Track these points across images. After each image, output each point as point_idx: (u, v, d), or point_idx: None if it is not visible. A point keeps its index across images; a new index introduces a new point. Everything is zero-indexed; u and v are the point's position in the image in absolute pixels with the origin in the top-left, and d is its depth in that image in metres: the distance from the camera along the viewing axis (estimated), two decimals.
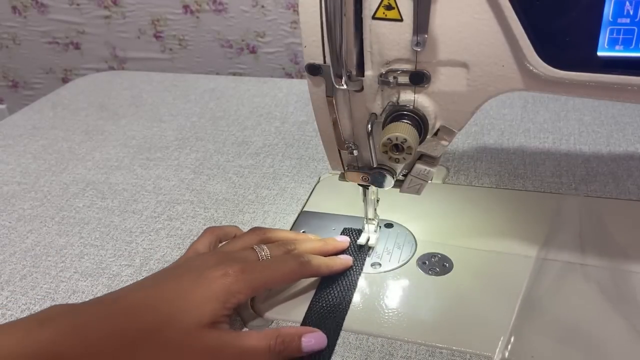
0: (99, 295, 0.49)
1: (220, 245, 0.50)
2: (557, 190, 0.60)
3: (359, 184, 0.49)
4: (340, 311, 0.47)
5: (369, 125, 0.41)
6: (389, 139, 0.39)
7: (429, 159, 0.44)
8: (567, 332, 0.44)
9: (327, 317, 0.46)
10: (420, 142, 0.41)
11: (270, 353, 0.41)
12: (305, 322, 0.46)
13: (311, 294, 0.49)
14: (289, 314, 0.47)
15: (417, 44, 0.37)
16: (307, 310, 0.47)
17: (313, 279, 0.50)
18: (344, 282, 0.49)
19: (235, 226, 0.54)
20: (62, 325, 0.39)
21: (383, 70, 0.40)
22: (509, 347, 0.43)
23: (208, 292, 0.41)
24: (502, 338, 0.43)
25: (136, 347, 0.39)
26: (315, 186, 0.65)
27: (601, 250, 0.51)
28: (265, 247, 0.48)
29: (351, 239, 0.54)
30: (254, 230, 0.51)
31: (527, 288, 0.48)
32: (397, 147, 0.39)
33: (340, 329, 0.45)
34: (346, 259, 0.51)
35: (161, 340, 0.39)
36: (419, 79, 0.39)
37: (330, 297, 0.48)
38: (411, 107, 0.40)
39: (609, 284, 0.48)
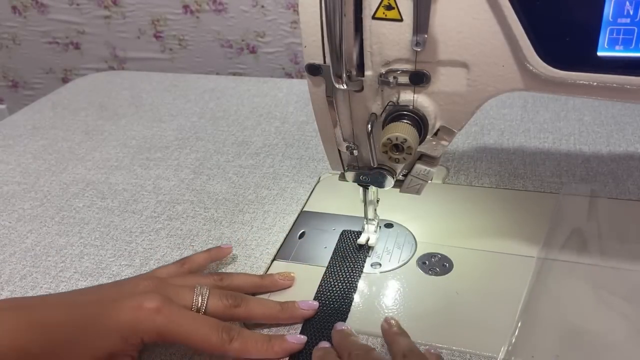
0: None
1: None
2: (557, 190, 0.60)
3: (359, 184, 0.49)
4: (341, 313, 0.46)
5: (369, 125, 0.41)
6: (389, 139, 0.39)
7: (429, 159, 0.44)
8: (567, 332, 0.44)
9: (329, 319, 0.46)
10: (420, 142, 0.41)
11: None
12: (307, 325, 0.46)
13: (312, 294, 0.49)
14: None
15: (417, 44, 0.37)
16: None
17: (313, 279, 0.50)
18: (344, 283, 0.49)
19: (205, 256, 0.51)
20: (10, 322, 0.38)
21: (383, 70, 0.40)
22: (509, 347, 0.43)
23: (113, 322, 0.39)
24: (502, 338, 0.43)
25: (59, 348, 0.38)
26: (315, 186, 0.65)
27: (601, 250, 0.51)
28: (207, 292, 0.43)
29: (351, 240, 0.54)
30: (212, 274, 0.48)
31: (527, 288, 0.48)
32: (397, 147, 0.39)
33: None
34: (303, 308, 0.46)
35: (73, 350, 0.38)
36: (419, 79, 0.39)
37: (331, 298, 0.48)
38: (411, 107, 0.40)
39: (609, 283, 0.48)
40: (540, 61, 0.36)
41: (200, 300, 0.43)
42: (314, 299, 0.48)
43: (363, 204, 0.51)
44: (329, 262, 0.52)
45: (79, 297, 0.43)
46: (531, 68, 0.37)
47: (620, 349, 0.42)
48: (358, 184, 0.49)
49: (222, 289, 0.45)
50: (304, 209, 0.61)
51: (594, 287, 0.47)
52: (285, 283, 0.49)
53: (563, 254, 0.51)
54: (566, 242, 0.52)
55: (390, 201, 0.56)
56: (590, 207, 0.57)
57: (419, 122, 0.40)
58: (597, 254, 0.50)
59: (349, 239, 0.54)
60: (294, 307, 0.46)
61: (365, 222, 0.53)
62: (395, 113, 0.40)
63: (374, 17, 0.37)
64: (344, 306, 0.47)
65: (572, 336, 0.43)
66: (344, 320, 0.46)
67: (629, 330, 0.43)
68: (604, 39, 0.35)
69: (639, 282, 0.48)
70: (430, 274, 0.50)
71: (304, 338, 0.43)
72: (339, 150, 0.46)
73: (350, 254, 0.52)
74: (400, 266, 0.51)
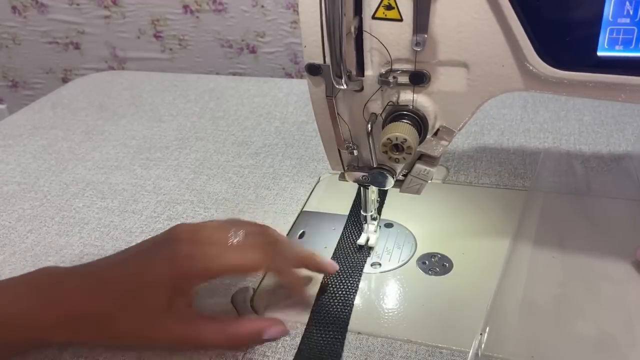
0: None
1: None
2: (557, 190, 0.60)
3: (359, 184, 0.49)
4: (344, 316, 0.46)
5: (369, 125, 0.41)
6: (389, 139, 0.39)
7: (429, 159, 0.44)
8: (567, 332, 0.44)
9: (332, 322, 0.46)
10: (420, 142, 0.41)
11: (226, 346, 0.43)
12: (309, 326, 0.45)
13: (312, 294, 0.48)
14: (293, 316, 0.47)
15: (417, 44, 0.37)
16: (311, 315, 0.46)
17: (313, 279, 0.50)
18: (344, 284, 0.49)
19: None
20: (45, 297, 0.40)
21: (383, 70, 0.40)
22: (510, 346, 0.43)
23: (155, 277, 0.41)
24: (501, 338, 0.43)
25: (109, 319, 0.40)
26: (315, 186, 0.65)
27: (602, 250, 0.51)
28: (243, 233, 0.44)
29: (351, 239, 0.54)
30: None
31: (527, 288, 0.48)
32: (397, 147, 0.39)
33: (346, 332, 0.45)
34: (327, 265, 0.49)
35: (127, 318, 0.41)
36: (418, 78, 0.39)
37: (332, 300, 0.48)
38: (411, 107, 0.40)
39: (612, 284, 0.48)
40: (540, 61, 0.36)
41: (235, 240, 0.44)
42: (316, 302, 0.47)
43: (363, 204, 0.51)
44: None
45: (123, 259, 0.44)
46: (531, 68, 0.37)
47: (624, 351, 0.42)
48: (358, 184, 0.49)
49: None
50: (304, 209, 0.61)
51: (594, 286, 0.47)
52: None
53: (563, 253, 0.51)
54: (567, 242, 0.52)
55: (390, 201, 0.56)
56: (590, 207, 0.57)
57: (419, 122, 0.40)
58: (598, 254, 0.51)
59: (349, 239, 0.54)
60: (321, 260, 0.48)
61: (365, 222, 0.53)
62: (395, 113, 0.40)
63: (374, 17, 0.37)
64: (345, 306, 0.47)
65: (572, 336, 0.43)
66: (346, 320, 0.46)
67: (602, 325, 0.43)
68: (604, 39, 0.35)
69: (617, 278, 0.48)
70: (430, 274, 0.50)
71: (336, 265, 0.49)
72: (339, 150, 0.46)
73: (351, 253, 0.52)
74: (400, 266, 0.51)
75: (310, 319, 0.46)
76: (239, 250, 0.43)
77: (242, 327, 0.44)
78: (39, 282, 0.42)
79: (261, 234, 0.46)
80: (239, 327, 0.44)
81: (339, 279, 0.50)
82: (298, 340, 0.45)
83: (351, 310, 0.47)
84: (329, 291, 0.49)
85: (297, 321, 0.46)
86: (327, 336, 0.44)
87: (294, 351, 0.44)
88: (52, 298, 0.41)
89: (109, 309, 0.41)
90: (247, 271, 0.48)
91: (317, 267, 0.49)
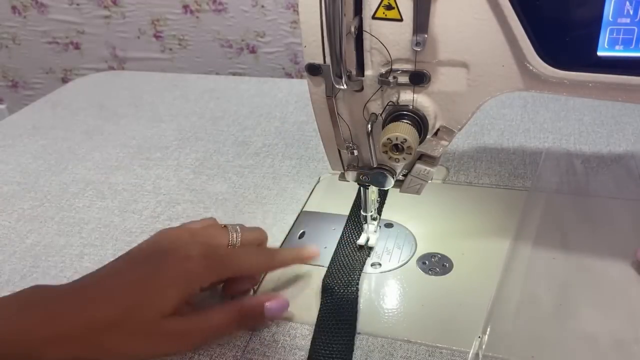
0: None
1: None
2: (558, 190, 0.60)
3: (359, 184, 0.49)
4: (343, 314, 0.46)
5: (369, 125, 0.41)
6: (389, 139, 0.39)
7: (429, 159, 0.44)
8: (567, 332, 0.44)
9: (339, 326, 0.45)
10: (420, 142, 0.41)
11: (233, 327, 0.43)
12: (317, 330, 0.45)
13: (313, 294, 0.48)
14: (296, 317, 0.47)
15: (417, 44, 0.37)
16: (317, 318, 0.46)
17: (313, 279, 0.50)
18: (346, 284, 0.49)
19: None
20: (38, 314, 0.39)
21: (383, 70, 0.40)
22: (510, 346, 0.43)
23: (167, 279, 0.41)
24: (502, 338, 0.43)
25: (102, 336, 0.39)
26: (315, 186, 0.65)
27: (602, 250, 0.51)
28: (239, 228, 0.47)
29: (351, 239, 0.54)
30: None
31: (527, 288, 0.48)
32: (397, 147, 0.39)
33: (355, 333, 0.45)
34: (313, 250, 0.50)
35: (126, 330, 0.39)
36: (418, 78, 0.39)
37: (336, 301, 0.47)
38: (411, 107, 0.40)
39: (611, 283, 0.48)
40: (540, 61, 0.36)
41: (235, 236, 0.47)
42: (321, 303, 0.47)
43: (363, 204, 0.51)
44: (330, 262, 0.52)
45: (132, 261, 0.44)
46: (531, 68, 0.37)
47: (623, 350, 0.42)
48: (358, 184, 0.49)
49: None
50: (304, 209, 0.61)
51: (594, 286, 0.47)
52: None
53: (564, 253, 0.51)
54: (567, 242, 0.52)
55: (390, 201, 0.56)
56: (590, 207, 0.57)
57: (419, 122, 0.40)
58: (598, 254, 0.50)
59: (349, 239, 0.54)
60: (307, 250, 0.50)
61: (365, 222, 0.53)
62: (395, 113, 0.40)
63: (374, 17, 0.37)
64: (346, 307, 0.47)
65: (572, 336, 0.43)
66: (348, 321, 0.46)
67: (603, 325, 0.43)
68: (604, 39, 0.35)
69: (616, 279, 0.48)
70: (430, 274, 0.50)
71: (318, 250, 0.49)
72: (339, 150, 0.46)
73: (351, 253, 0.52)
74: (400, 266, 0.51)
75: (318, 324, 0.46)
76: (247, 251, 0.47)
77: (245, 303, 0.45)
78: (29, 300, 0.41)
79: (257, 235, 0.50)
80: (242, 303, 0.45)
81: (339, 279, 0.50)
82: (297, 340, 0.45)
83: (353, 310, 0.47)
84: (330, 292, 0.48)
85: (308, 323, 0.46)
86: (337, 339, 0.44)
87: (294, 351, 0.44)
88: (43, 317, 0.39)
89: (109, 320, 0.39)
90: (260, 271, 0.50)
91: (305, 258, 0.50)
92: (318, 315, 0.46)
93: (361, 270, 0.50)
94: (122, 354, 0.41)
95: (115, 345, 0.40)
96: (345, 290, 0.48)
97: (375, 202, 0.52)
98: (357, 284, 0.49)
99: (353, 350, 0.43)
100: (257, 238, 0.50)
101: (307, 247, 0.50)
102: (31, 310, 0.40)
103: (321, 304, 0.47)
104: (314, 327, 0.45)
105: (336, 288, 0.48)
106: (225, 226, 0.48)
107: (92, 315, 0.39)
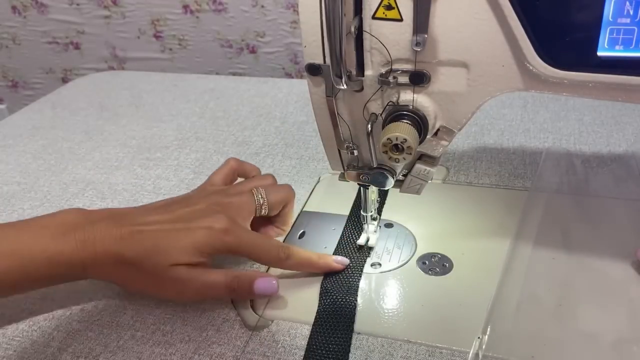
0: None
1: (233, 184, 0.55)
2: (558, 190, 0.60)
3: (359, 184, 0.49)
4: (349, 318, 0.46)
5: (369, 125, 0.41)
6: (389, 139, 0.39)
7: (429, 159, 0.44)
8: (568, 332, 0.44)
9: (337, 325, 0.45)
10: (420, 142, 0.41)
11: (226, 289, 0.46)
12: (315, 329, 0.45)
13: (312, 294, 0.48)
14: (296, 317, 0.47)
15: (417, 44, 0.37)
16: (316, 317, 0.46)
17: (313, 279, 0.50)
18: (345, 284, 0.49)
19: (256, 167, 0.57)
20: (80, 238, 0.44)
21: (383, 70, 0.40)
22: (510, 346, 0.43)
23: (189, 242, 0.45)
24: (502, 338, 0.43)
25: (127, 268, 0.45)
26: (315, 186, 0.65)
27: (602, 250, 0.51)
28: (264, 191, 0.51)
29: (351, 239, 0.54)
30: (268, 175, 0.55)
31: (527, 288, 0.48)
32: (397, 147, 0.39)
33: (352, 333, 0.45)
34: (337, 262, 0.51)
35: (143, 269, 0.45)
36: (418, 78, 0.39)
37: (335, 301, 0.47)
38: (411, 107, 0.40)
39: (611, 282, 0.48)
40: (540, 61, 0.36)
41: (261, 200, 0.51)
42: (319, 303, 0.47)
43: (363, 204, 0.51)
44: None
45: (163, 211, 0.49)
46: (531, 68, 0.37)
47: (623, 349, 0.42)
48: (358, 184, 0.49)
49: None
50: (304, 209, 0.61)
51: (594, 286, 0.47)
52: (338, 267, 0.51)
53: (564, 253, 0.51)
54: (567, 242, 0.52)
55: (390, 201, 0.56)
56: (590, 207, 0.57)
57: (419, 122, 0.40)
58: (598, 254, 0.51)
59: (349, 239, 0.54)
60: (330, 258, 0.51)
61: (365, 222, 0.53)
62: (395, 113, 0.40)
63: (374, 17, 0.38)
64: (346, 307, 0.47)
65: (573, 336, 0.43)
66: (349, 322, 0.46)
67: (603, 325, 0.43)
68: (604, 39, 0.35)
69: (616, 279, 0.48)
70: (430, 274, 0.50)
71: (346, 260, 0.51)
72: (339, 150, 0.46)
73: (351, 253, 0.52)
74: (400, 266, 0.51)
75: (315, 324, 0.46)
76: (262, 242, 0.49)
77: (241, 274, 0.47)
78: (68, 222, 0.46)
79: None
80: (238, 273, 0.47)
81: (340, 279, 0.50)
82: (297, 340, 0.45)
83: (355, 312, 0.47)
84: (330, 292, 0.49)
85: (307, 322, 0.46)
86: (334, 340, 0.44)
87: (294, 351, 0.44)
88: (85, 239, 0.44)
89: (132, 259, 0.44)
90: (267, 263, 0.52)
91: (326, 269, 0.51)
92: (315, 317, 0.46)
93: (360, 276, 0.50)
94: (134, 287, 0.47)
95: (131, 279, 0.46)
96: (345, 299, 0.47)
97: (375, 202, 0.52)
98: (356, 292, 0.49)
99: (349, 351, 0.43)
100: (283, 200, 0.53)
101: (327, 256, 0.51)
102: (73, 234, 0.44)
103: (319, 306, 0.47)
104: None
105: (335, 293, 0.48)
106: (251, 191, 0.51)
107: (122, 249, 0.44)
